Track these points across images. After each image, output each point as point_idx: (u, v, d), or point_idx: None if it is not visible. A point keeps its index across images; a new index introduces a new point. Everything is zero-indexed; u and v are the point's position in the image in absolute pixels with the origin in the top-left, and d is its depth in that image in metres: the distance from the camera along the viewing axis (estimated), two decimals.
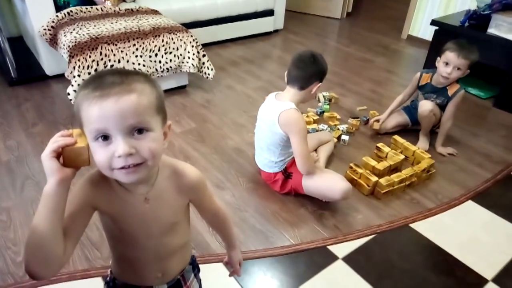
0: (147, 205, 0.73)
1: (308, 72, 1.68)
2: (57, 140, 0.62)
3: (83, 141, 0.64)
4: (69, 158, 0.62)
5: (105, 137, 0.61)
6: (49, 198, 0.60)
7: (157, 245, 0.79)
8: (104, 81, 0.61)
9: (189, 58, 2.56)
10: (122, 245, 0.78)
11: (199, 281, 0.97)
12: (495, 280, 1.49)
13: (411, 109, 2.40)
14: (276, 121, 1.68)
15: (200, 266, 0.98)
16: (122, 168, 0.62)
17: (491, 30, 2.74)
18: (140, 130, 0.62)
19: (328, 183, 1.73)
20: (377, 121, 2.34)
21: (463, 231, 1.73)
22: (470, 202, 1.90)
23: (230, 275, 1.05)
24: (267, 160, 1.82)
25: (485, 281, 1.49)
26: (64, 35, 2.38)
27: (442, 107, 2.23)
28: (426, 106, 2.17)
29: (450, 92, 2.17)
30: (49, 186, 0.60)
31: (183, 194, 0.79)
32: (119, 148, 0.60)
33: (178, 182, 0.77)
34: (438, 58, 2.16)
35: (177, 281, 0.88)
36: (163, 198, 0.75)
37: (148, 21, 2.62)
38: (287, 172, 1.81)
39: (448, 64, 2.09)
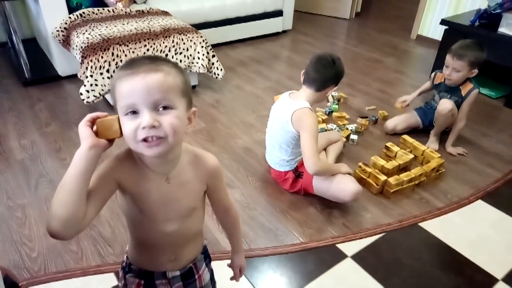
0: (168, 184, 0.77)
1: (326, 75, 1.70)
2: (89, 114, 0.69)
3: (113, 116, 0.70)
4: (101, 129, 0.68)
5: (134, 112, 0.67)
6: (79, 160, 0.65)
7: (174, 230, 0.81)
8: (136, 62, 0.68)
9: (198, 58, 2.59)
10: (141, 226, 0.81)
11: (211, 271, 0.99)
12: (505, 279, 1.49)
13: (425, 110, 2.38)
14: (289, 119, 1.70)
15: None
16: (145, 141, 0.67)
17: (502, 29, 2.72)
18: (165, 107, 0.67)
19: (338, 185, 1.73)
20: (404, 101, 2.37)
21: (473, 230, 1.72)
22: (480, 201, 1.89)
23: (230, 279, 1.06)
24: (279, 159, 1.84)
25: (495, 280, 1.49)
26: (77, 36, 2.43)
27: (457, 107, 2.21)
28: (446, 104, 2.15)
29: (463, 92, 2.17)
30: (81, 149, 0.65)
31: (202, 179, 0.83)
32: (144, 119, 0.66)
33: (198, 167, 0.81)
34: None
35: (189, 269, 0.91)
36: (184, 180, 0.79)
37: (158, 22, 2.65)
38: (298, 171, 1.83)
39: (447, 67, 2.12)
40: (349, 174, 1.79)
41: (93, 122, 0.68)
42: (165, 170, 0.76)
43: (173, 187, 0.77)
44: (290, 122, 1.70)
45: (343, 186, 1.72)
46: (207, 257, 0.97)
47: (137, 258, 0.88)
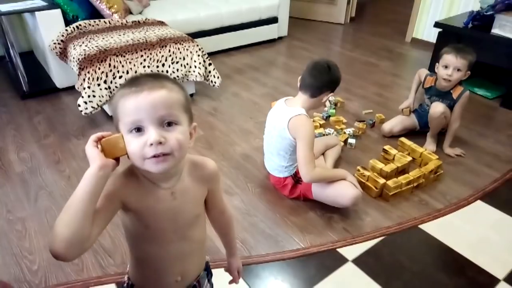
0: (174, 199, 0.77)
1: (321, 81, 1.70)
2: (94, 134, 0.69)
3: (117, 134, 0.70)
4: (107, 148, 0.68)
5: (139, 129, 0.67)
6: (88, 181, 0.64)
7: (181, 240, 0.81)
8: (139, 80, 0.69)
9: (195, 67, 2.61)
10: (146, 243, 0.80)
11: (212, 285, 1.00)
12: (507, 279, 1.49)
13: (420, 112, 2.40)
14: (286, 126, 1.70)
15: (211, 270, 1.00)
16: (153, 157, 0.67)
17: (495, 31, 2.74)
18: (169, 123, 0.69)
19: (338, 190, 1.73)
20: (407, 107, 2.40)
21: (473, 231, 1.73)
22: (479, 202, 1.90)
23: (229, 283, 1.07)
24: (277, 165, 1.84)
25: (497, 280, 1.49)
26: (74, 48, 2.45)
27: (450, 109, 2.23)
28: (437, 108, 2.17)
29: (454, 95, 2.18)
30: (90, 170, 0.65)
31: (204, 185, 0.84)
32: (151, 136, 0.66)
33: (199, 173, 0.82)
34: (437, 64, 2.18)
35: (193, 287, 0.90)
36: (186, 190, 0.80)
37: (154, 32, 2.68)
38: (297, 177, 1.83)
39: (447, 67, 2.11)
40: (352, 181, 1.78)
41: (98, 141, 0.68)
42: (169, 184, 0.77)
43: (178, 200, 0.78)
44: (287, 129, 1.70)
45: (342, 191, 1.72)
46: (209, 273, 0.98)
47: (140, 279, 0.87)
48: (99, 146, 0.67)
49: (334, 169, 1.96)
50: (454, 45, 2.16)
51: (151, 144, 0.66)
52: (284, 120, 1.71)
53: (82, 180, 0.65)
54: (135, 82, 0.69)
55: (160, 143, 0.66)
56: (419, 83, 2.38)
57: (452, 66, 2.09)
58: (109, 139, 0.68)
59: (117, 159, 0.69)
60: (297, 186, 1.84)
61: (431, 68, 3.12)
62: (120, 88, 0.71)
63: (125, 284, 0.90)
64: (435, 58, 3.08)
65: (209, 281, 0.98)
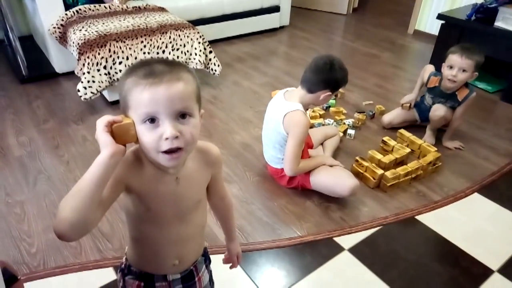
0: (178, 184, 0.77)
1: (319, 78, 1.65)
2: (104, 118, 0.66)
3: (127, 119, 0.68)
4: (118, 134, 0.66)
5: (152, 120, 0.66)
6: (99, 167, 0.64)
7: (181, 224, 0.82)
8: (155, 69, 0.67)
9: (196, 54, 2.59)
10: (145, 225, 0.81)
11: (210, 272, 1.00)
12: (501, 270, 1.50)
13: (420, 106, 2.38)
14: (281, 121, 1.69)
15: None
16: (167, 152, 0.67)
17: (498, 23, 2.73)
18: (183, 115, 0.68)
19: (336, 180, 1.75)
20: (407, 103, 2.36)
21: (469, 223, 1.74)
22: (476, 194, 1.91)
23: (230, 268, 1.08)
24: (274, 156, 1.85)
25: (491, 271, 1.50)
26: (74, 33, 2.43)
27: (453, 110, 2.21)
28: (438, 111, 2.15)
29: (460, 97, 2.14)
30: (101, 156, 0.64)
31: (208, 170, 0.85)
32: (167, 130, 0.65)
33: (204, 159, 0.83)
34: (443, 64, 2.12)
35: (190, 271, 0.91)
36: (190, 176, 0.80)
37: (155, 18, 2.65)
38: None
39: (452, 67, 2.05)
40: (337, 166, 1.82)
41: (109, 128, 0.66)
42: (175, 170, 0.77)
43: (182, 185, 0.78)
44: (281, 124, 1.70)
45: (340, 181, 1.73)
46: (207, 259, 0.98)
47: (138, 261, 0.87)
48: (111, 129, 0.66)
49: (312, 158, 1.90)
50: (461, 44, 2.11)
51: (167, 138, 0.65)
52: (280, 114, 1.70)
53: (93, 166, 0.64)
54: (151, 71, 0.66)
55: (176, 137, 0.66)
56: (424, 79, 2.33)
57: (457, 66, 2.03)
58: (120, 125, 0.66)
59: (124, 145, 0.68)
60: (295, 177, 1.84)
61: (433, 61, 3.12)
62: (130, 73, 0.68)
63: (123, 265, 0.90)
64: (437, 50, 3.08)
65: (207, 267, 0.98)
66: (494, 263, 1.53)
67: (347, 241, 1.61)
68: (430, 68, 2.31)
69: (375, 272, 1.48)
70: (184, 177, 0.78)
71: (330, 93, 1.69)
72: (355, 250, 1.57)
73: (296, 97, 1.73)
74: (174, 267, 0.87)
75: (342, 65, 1.67)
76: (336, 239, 1.62)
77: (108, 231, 1.60)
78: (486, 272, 1.50)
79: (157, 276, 0.86)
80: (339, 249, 1.57)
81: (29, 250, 1.51)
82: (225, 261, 1.08)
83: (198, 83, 0.73)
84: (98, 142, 0.65)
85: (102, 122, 0.65)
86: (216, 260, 1.07)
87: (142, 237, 0.84)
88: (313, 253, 1.55)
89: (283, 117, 1.68)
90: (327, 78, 1.65)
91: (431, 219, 1.74)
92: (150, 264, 0.86)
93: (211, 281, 1.00)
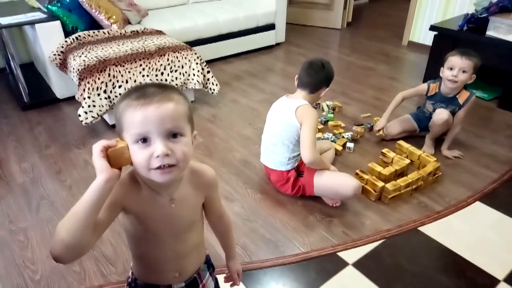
0: (173, 205, 0.80)
1: (318, 79, 1.83)
2: (99, 143, 0.69)
3: (122, 143, 0.70)
4: (114, 158, 0.68)
5: (144, 140, 0.69)
6: (94, 191, 0.66)
7: (178, 243, 0.84)
8: (147, 91, 0.70)
9: (194, 75, 2.64)
10: (144, 245, 0.83)
11: (215, 279, 1.02)
12: (507, 280, 1.49)
13: (419, 115, 2.40)
14: (294, 114, 1.78)
15: None
16: (158, 168, 0.69)
17: (490, 33, 2.77)
18: (175, 135, 0.70)
19: (339, 180, 1.79)
20: (379, 130, 2.33)
21: (472, 232, 1.73)
22: (478, 203, 1.91)
23: (231, 286, 1.09)
24: (280, 157, 1.86)
25: (497, 281, 1.49)
26: (74, 59, 2.48)
27: (453, 114, 2.23)
28: (441, 115, 2.17)
29: (461, 100, 2.18)
30: (97, 181, 0.66)
31: (202, 192, 0.87)
32: (158, 149, 0.68)
33: (198, 181, 0.85)
34: (442, 68, 2.17)
35: (194, 279, 0.93)
36: (185, 197, 0.82)
37: (153, 42, 2.71)
38: (299, 169, 1.88)
39: (453, 69, 2.10)
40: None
41: (104, 153, 0.68)
42: (169, 192, 0.79)
43: (177, 206, 0.80)
44: (294, 116, 1.77)
45: (344, 182, 1.77)
46: (210, 266, 1.00)
47: (142, 273, 0.90)
48: (106, 153, 0.68)
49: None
50: (459, 49, 2.16)
51: (158, 156, 0.67)
52: (291, 108, 1.79)
53: (88, 191, 0.66)
54: (143, 93, 0.69)
55: (167, 155, 0.68)
56: (398, 104, 2.33)
57: (457, 67, 2.09)
58: (115, 149, 0.69)
59: (120, 168, 0.71)
60: (299, 180, 1.86)
61: (427, 72, 3.15)
62: (125, 97, 0.71)
63: (129, 279, 0.93)
64: (432, 61, 3.12)
65: (211, 274, 1.00)
66: (499, 272, 1.52)
67: (351, 255, 1.61)
68: (403, 93, 2.33)
69: (380, 286, 1.47)
70: (178, 199, 0.80)
71: (327, 88, 1.88)
72: (359, 265, 1.56)
73: (299, 97, 1.85)
74: (176, 279, 0.90)
75: (328, 61, 1.88)
76: (339, 254, 1.61)
77: (112, 255, 1.60)
78: (492, 282, 1.49)
79: (162, 286, 0.89)
80: (343, 264, 1.57)
81: (33, 277, 1.51)
82: (226, 280, 1.09)
83: (190, 105, 0.75)
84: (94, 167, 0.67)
85: (97, 147, 0.68)
86: (220, 279, 1.08)
87: (142, 254, 0.87)
88: (318, 269, 1.55)
89: (295, 110, 1.78)
90: (325, 76, 1.84)
91: (434, 230, 1.74)
92: (152, 277, 0.89)
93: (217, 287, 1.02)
